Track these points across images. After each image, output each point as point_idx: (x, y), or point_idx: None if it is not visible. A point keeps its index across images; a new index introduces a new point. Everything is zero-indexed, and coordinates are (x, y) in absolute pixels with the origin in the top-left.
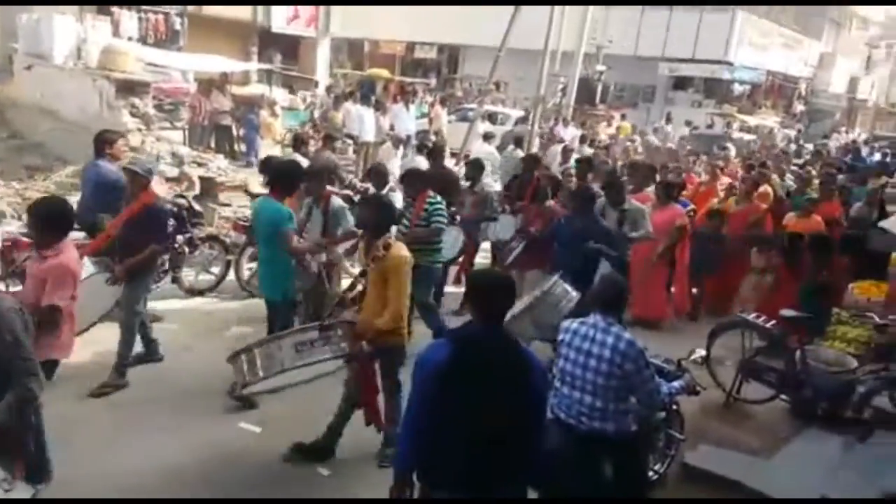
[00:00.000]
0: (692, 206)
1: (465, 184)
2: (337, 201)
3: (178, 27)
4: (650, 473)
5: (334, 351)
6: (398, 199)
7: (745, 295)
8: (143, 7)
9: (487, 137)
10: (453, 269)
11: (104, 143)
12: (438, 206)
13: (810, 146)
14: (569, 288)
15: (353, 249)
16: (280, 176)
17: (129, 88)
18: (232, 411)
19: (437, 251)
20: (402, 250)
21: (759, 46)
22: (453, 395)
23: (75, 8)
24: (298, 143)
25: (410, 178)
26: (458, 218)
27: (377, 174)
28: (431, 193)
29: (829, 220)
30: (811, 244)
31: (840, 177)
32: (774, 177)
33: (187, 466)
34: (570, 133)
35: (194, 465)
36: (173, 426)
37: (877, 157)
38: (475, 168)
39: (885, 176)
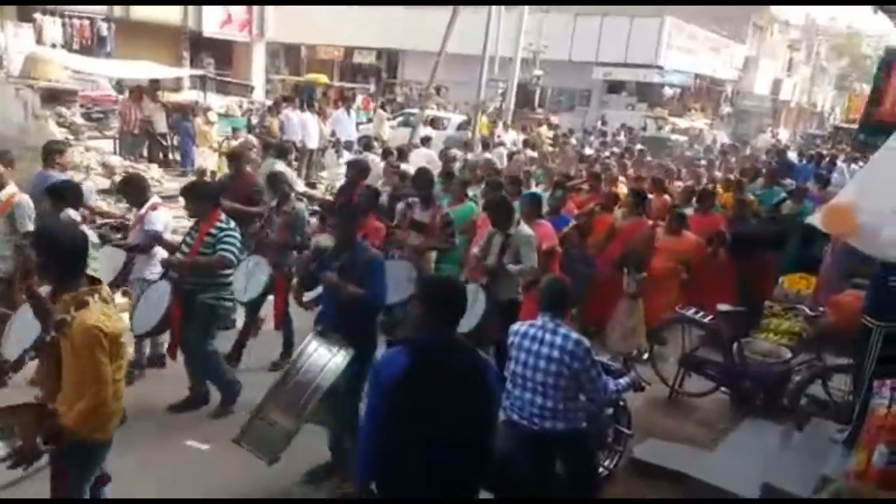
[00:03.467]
0: (575, 223)
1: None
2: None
3: (104, 32)
4: (600, 469)
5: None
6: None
7: (617, 325)
8: (67, 12)
9: (426, 141)
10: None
11: (53, 153)
12: (230, 231)
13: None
14: (332, 347)
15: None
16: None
17: (55, 97)
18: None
19: (222, 286)
20: (91, 317)
21: (687, 50)
22: (411, 402)
23: None
24: (235, 157)
25: (197, 193)
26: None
27: (272, 181)
28: (223, 216)
29: (709, 235)
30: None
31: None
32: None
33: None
34: (511, 137)
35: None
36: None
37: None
38: (421, 180)
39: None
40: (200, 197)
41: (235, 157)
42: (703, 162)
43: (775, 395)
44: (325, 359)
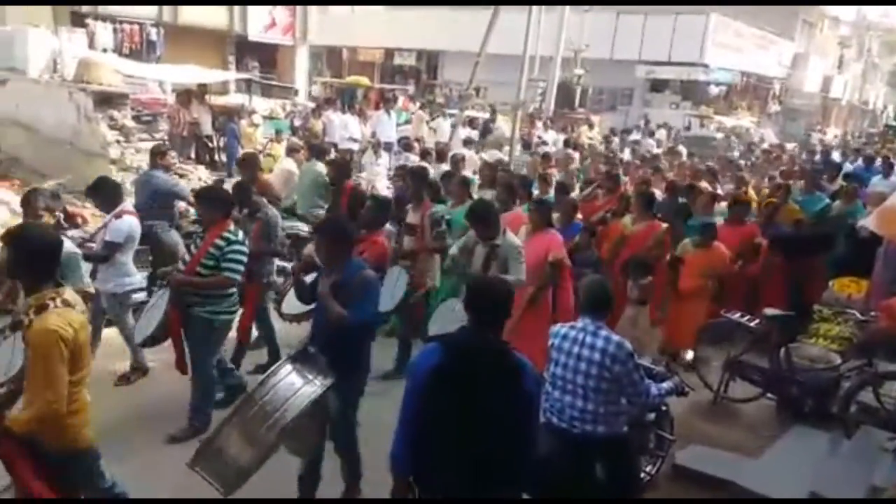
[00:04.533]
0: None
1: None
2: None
3: (153, 37)
4: (642, 474)
5: None
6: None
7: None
8: (118, 18)
9: (468, 143)
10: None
11: (157, 154)
12: (237, 245)
13: (790, 146)
14: (309, 373)
15: None
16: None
17: (106, 101)
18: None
19: (221, 298)
20: (51, 320)
21: (733, 48)
22: (444, 399)
23: (50, 20)
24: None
25: (208, 198)
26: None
27: (236, 192)
28: (232, 227)
29: (744, 247)
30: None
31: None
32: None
33: None
34: (552, 137)
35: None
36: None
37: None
38: (417, 179)
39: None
40: (211, 203)
41: (247, 163)
42: (744, 162)
43: (824, 401)
44: (295, 388)
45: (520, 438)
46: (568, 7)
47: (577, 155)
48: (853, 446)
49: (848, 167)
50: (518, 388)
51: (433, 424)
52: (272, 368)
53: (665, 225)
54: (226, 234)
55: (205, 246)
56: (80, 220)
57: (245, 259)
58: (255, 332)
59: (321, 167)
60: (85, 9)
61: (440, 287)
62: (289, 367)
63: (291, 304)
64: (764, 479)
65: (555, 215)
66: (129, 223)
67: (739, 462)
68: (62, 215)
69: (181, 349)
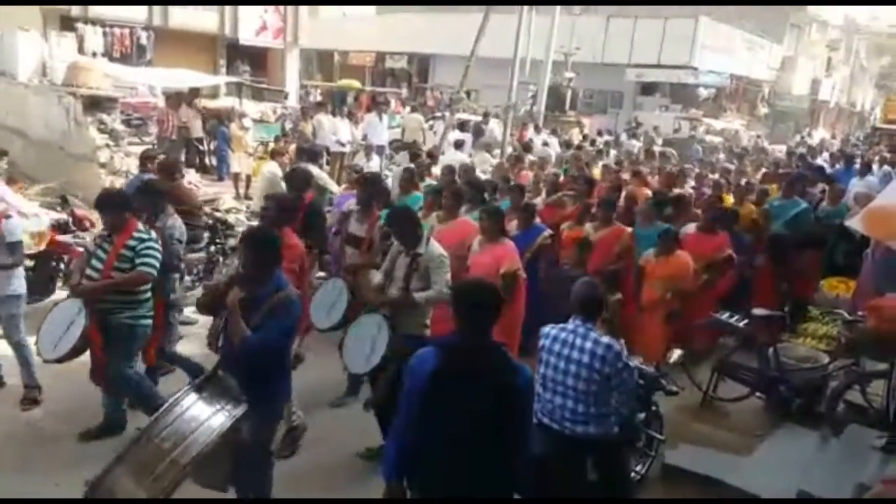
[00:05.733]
0: (549, 232)
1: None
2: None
3: (144, 41)
4: (632, 474)
5: None
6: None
7: None
8: (108, 21)
9: (458, 145)
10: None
11: (147, 159)
12: (150, 243)
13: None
14: (217, 401)
15: None
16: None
17: (96, 104)
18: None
19: (140, 303)
20: None
21: (722, 51)
22: (438, 402)
23: (39, 24)
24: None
25: (112, 204)
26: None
27: (142, 192)
28: (141, 226)
29: (712, 259)
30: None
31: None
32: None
33: None
34: (542, 139)
35: None
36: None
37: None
38: (371, 185)
39: (823, 183)
40: (116, 207)
41: (166, 167)
42: (729, 165)
43: (812, 400)
44: (199, 420)
45: (514, 438)
46: (558, 10)
47: (553, 155)
48: (841, 445)
49: (827, 169)
50: (513, 389)
51: (431, 426)
52: (171, 400)
53: (629, 230)
54: (137, 235)
55: (115, 250)
56: (87, 224)
57: (160, 256)
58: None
59: (275, 167)
60: (74, 12)
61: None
62: (192, 396)
63: (49, 340)
64: (753, 477)
65: (514, 222)
66: (19, 222)
67: (729, 461)
68: (70, 219)
69: (100, 359)
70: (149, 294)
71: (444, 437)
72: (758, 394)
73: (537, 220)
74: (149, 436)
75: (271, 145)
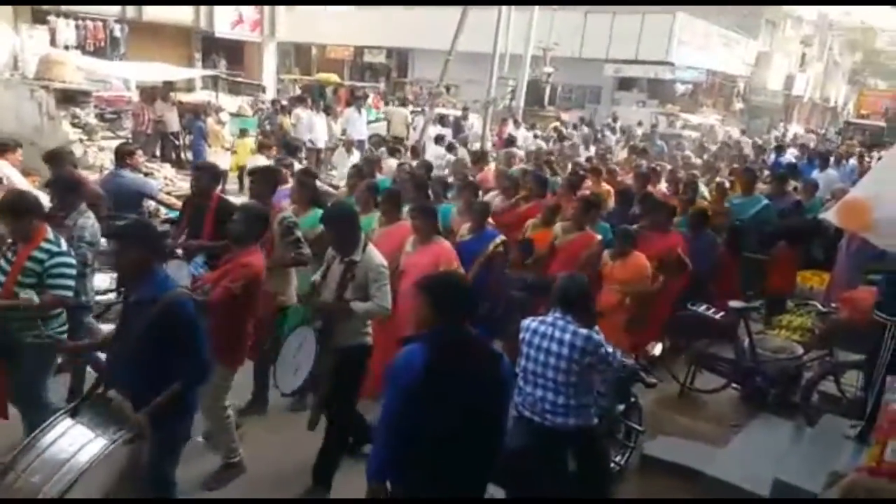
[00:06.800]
0: (501, 238)
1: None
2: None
3: (117, 34)
4: (612, 465)
5: None
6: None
7: None
8: (80, 14)
9: (439, 140)
10: None
11: (125, 154)
12: (62, 258)
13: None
14: (97, 426)
15: None
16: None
17: (69, 98)
18: None
19: (49, 318)
20: None
21: (698, 47)
22: (430, 401)
23: (10, 17)
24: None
25: (18, 209)
26: None
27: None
28: (51, 235)
29: (664, 258)
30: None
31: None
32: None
33: None
34: (522, 134)
35: None
36: None
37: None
38: (258, 179)
39: (792, 180)
40: (23, 213)
41: (55, 157)
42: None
43: (787, 391)
44: (74, 448)
45: (495, 429)
46: (537, 6)
47: (521, 153)
48: (816, 434)
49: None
50: (498, 377)
51: (419, 425)
52: (41, 427)
53: (599, 237)
54: (45, 246)
55: (19, 261)
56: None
57: (74, 271)
58: None
59: (262, 161)
60: (46, 5)
61: (291, 311)
62: (67, 422)
63: None
64: (731, 467)
65: (466, 225)
66: None
67: (706, 451)
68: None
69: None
70: (61, 308)
71: (437, 433)
72: (734, 385)
73: (491, 222)
74: (15, 470)
75: (249, 139)
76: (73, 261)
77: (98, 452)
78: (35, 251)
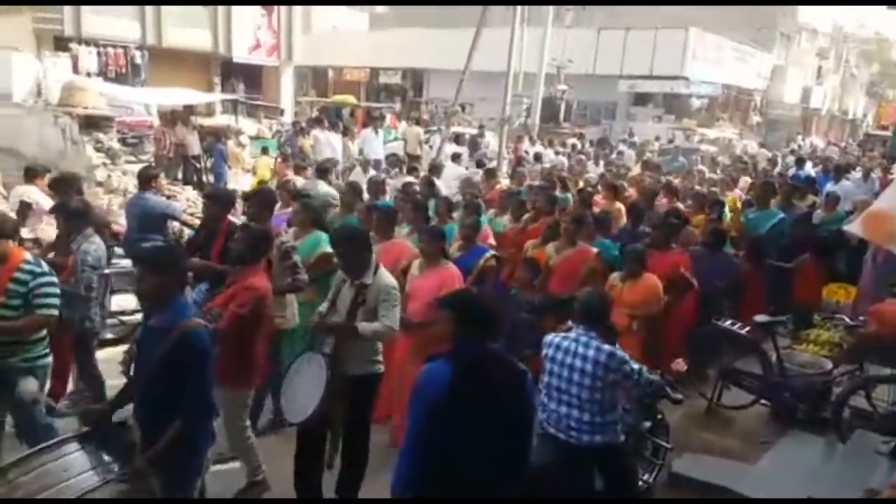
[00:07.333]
0: (492, 253)
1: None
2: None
3: (138, 60)
4: (639, 483)
5: None
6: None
7: None
8: (102, 41)
9: (455, 158)
10: None
11: (149, 178)
12: (45, 277)
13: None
14: (102, 457)
15: None
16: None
17: (92, 124)
18: None
19: (38, 341)
20: None
21: (713, 61)
22: (455, 417)
23: (33, 45)
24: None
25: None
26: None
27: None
28: (28, 256)
29: (671, 276)
30: None
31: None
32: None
33: None
34: (543, 151)
35: None
36: None
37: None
38: (255, 201)
39: (812, 195)
40: None
41: (62, 183)
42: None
43: (817, 406)
44: (67, 475)
45: (521, 446)
46: (550, 23)
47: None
48: (848, 450)
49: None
50: (522, 396)
51: (444, 442)
52: (47, 444)
53: (595, 251)
54: (27, 267)
55: (0, 283)
56: (121, 238)
57: (58, 290)
58: None
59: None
60: (68, 33)
61: (295, 334)
62: (72, 446)
63: None
64: (760, 485)
65: (457, 242)
66: None
67: (736, 469)
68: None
69: None
70: (43, 332)
71: (462, 449)
72: (763, 401)
73: (481, 239)
74: (6, 478)
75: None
76: (56, 280)
77: (86, 488)
78: (16, 273)
